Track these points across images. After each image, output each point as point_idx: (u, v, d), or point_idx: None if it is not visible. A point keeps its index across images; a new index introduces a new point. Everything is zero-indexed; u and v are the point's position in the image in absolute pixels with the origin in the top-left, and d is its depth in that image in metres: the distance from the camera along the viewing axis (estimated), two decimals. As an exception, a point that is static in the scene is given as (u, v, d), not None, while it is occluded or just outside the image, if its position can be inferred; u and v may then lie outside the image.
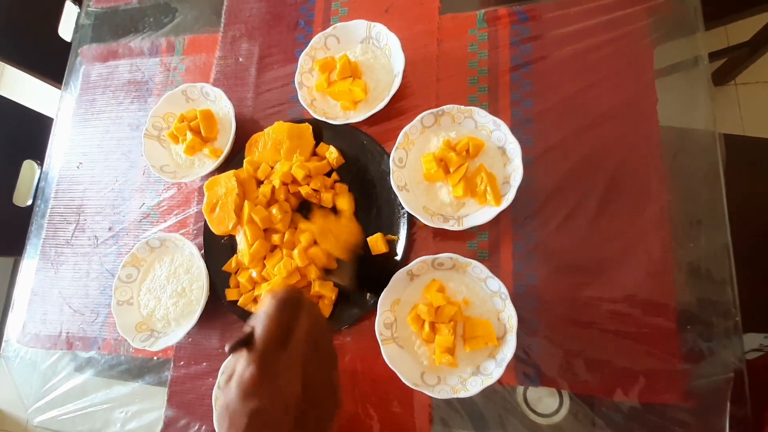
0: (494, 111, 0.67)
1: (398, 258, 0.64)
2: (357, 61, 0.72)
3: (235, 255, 0.70)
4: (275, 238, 0.67)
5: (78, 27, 0.96)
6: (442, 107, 0.65)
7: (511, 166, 0.61)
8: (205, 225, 0.71)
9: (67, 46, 0.96)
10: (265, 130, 0.72)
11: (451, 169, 0.62)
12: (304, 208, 0.70)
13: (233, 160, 0.74)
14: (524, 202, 0.62)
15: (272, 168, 0.71)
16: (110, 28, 0.94)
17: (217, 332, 0.71)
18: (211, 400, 0.64)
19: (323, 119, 0.70)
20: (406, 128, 0.66)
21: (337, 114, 0.72)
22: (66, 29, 1.09)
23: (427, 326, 0.58)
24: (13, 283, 0.86)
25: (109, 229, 0.82)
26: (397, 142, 0.65)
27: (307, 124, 0.72)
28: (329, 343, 0.44)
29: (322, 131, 0.72)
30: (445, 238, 0.65)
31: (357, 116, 0.70)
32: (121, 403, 0.73)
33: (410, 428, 0.60)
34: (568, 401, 0.57)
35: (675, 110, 0.62)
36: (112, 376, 0.75)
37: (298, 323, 0.40)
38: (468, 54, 0.71)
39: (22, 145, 1.14)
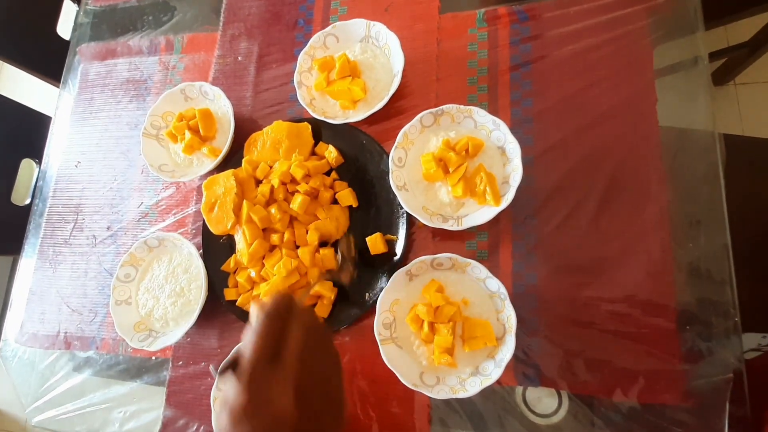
0: (494, 110, 0.67)
1: (397, 258, 0.64)
2: (356, 61, 0.71)
3: (233, 255, 0.69)
4: (274, 238, 0.67)
5: (76, 25, 0.96)
6: (441, 107, 0.64)
7: (511, 165, 0.61)
8: (204, 224, 0.71)
9: (65, 44, 0.96)
10: (264, 130, 0.72)
11: (451, 169, 0.62)
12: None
13: (232, 159, 0.74)
14: (524, 201, 0.62)
15: (271, 167, 0.70)
16: (109, 26, 0.93)
17: (216, 332, 0.71)
18: (209, 399, 0.64)
19: (322, 118, 0.70)
20: (406, 128, 0.65)
21: (336, 113, 0.72)
22: (65, 27, 1.09)
23: (426, 326, 0.58)
24: (11, 282, 0.86)
25: (108, 228, 0.81)
26: (396, 142, 0.65)
27: (306, 123, 0.72)
28: (328, 347, 0.42)
29: (321, 130, 0.72)
30: (444, 238, 0.65)
31: (356, 115, 0.69)
32: (119, 402, 0.73)
33: (409, 428, 0.60)
34: (567, 401, 0.57)
35: (675, 110, 0.62)
36: (111, 375, 0.74)
37: (289, 334, 0.37)
38: (467, 53, 0.71)
39: (21, 144, 1.14)
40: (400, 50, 0.68)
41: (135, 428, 0.71)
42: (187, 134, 0.75)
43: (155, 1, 0.92)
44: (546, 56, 0.68)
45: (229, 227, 0.68)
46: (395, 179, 0.64)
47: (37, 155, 0.97)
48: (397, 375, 0.57)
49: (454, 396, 0.55)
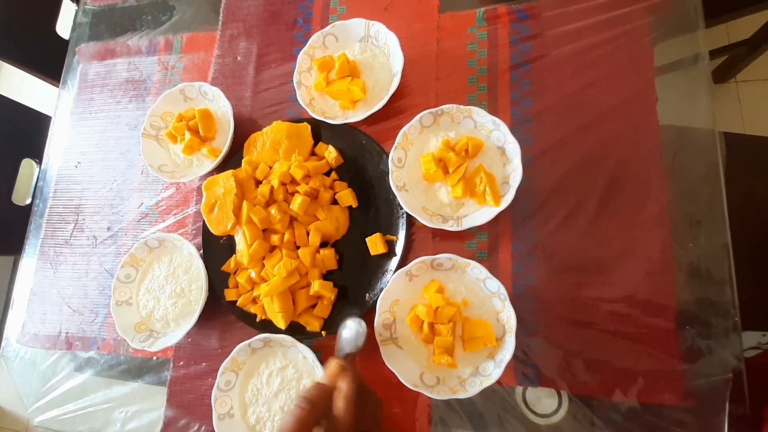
0: (493, 110, 0.67)
1: (397, 258, 0.64)
2: (356, 60, 0.71)
3: (234, 255, 0.69)
4: (274, 239, 0.67)
5: (76, 25, 0.96)
6: (441, 107, 0.64)
7: (511, 166, 0.61)
8: (204, 225, 0.71)
9: (64, 44, 0.95)
10: (264, 130, 0.72)
11: (450, 169, 0.62)
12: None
13: (232, 159, 0.74)
14: (523, 202, 0.62)
15: (271, 168, 0.70)
16: (108, 26, 0.93)
17: (217, 332, 0.71)
18: (210, 400, 0.64)
19: (322, 119, 0.70)
20: (405, 128, 0.65)
21: (336, 113, 0.72)
22: (64, 27, 1.09)
23: (426, 327, 0.58)
24: (12, 282, 0.86)
25: (108, 228, 0.82)
26: (396, 142, 0.65)
27: (305, 123, 0.72)
28: (374, 395, 0.50)
29: (320, 131, 0.72)
30: (444, 239, 0.65)
31: (356, 116, 0.69)
32: (120, 403, 0.73)
33: (409, 428, 0.60)
34: (567, 401, 0.57)
35: (675, 108, 0.62)
36: (112, 376, 0.75)
37: (367, 401, 0.48)
38: (467, 53, 0.71)
39: (21, 144, 1.14)
40: (399, 50, 0.68)
41: (136, 428, 0.71)
42: (187, 135, 0.75)
43: (154, 0, 0.91)
44: (546, 55, 0.67)
45: (229, 228, 0.68)
46: (395, 179, 0.64)
47: (37, 155, 0.97)
48: (397, 375, 0.57)
49: (454, 396, 0.55)
